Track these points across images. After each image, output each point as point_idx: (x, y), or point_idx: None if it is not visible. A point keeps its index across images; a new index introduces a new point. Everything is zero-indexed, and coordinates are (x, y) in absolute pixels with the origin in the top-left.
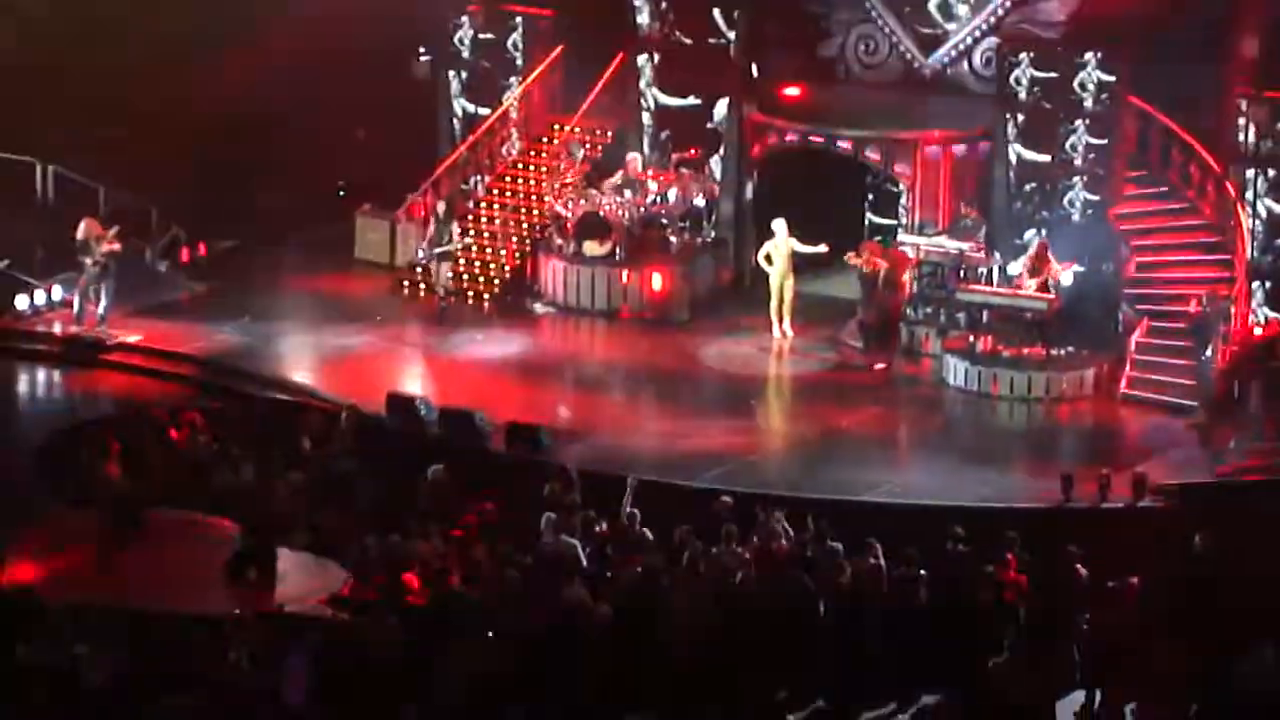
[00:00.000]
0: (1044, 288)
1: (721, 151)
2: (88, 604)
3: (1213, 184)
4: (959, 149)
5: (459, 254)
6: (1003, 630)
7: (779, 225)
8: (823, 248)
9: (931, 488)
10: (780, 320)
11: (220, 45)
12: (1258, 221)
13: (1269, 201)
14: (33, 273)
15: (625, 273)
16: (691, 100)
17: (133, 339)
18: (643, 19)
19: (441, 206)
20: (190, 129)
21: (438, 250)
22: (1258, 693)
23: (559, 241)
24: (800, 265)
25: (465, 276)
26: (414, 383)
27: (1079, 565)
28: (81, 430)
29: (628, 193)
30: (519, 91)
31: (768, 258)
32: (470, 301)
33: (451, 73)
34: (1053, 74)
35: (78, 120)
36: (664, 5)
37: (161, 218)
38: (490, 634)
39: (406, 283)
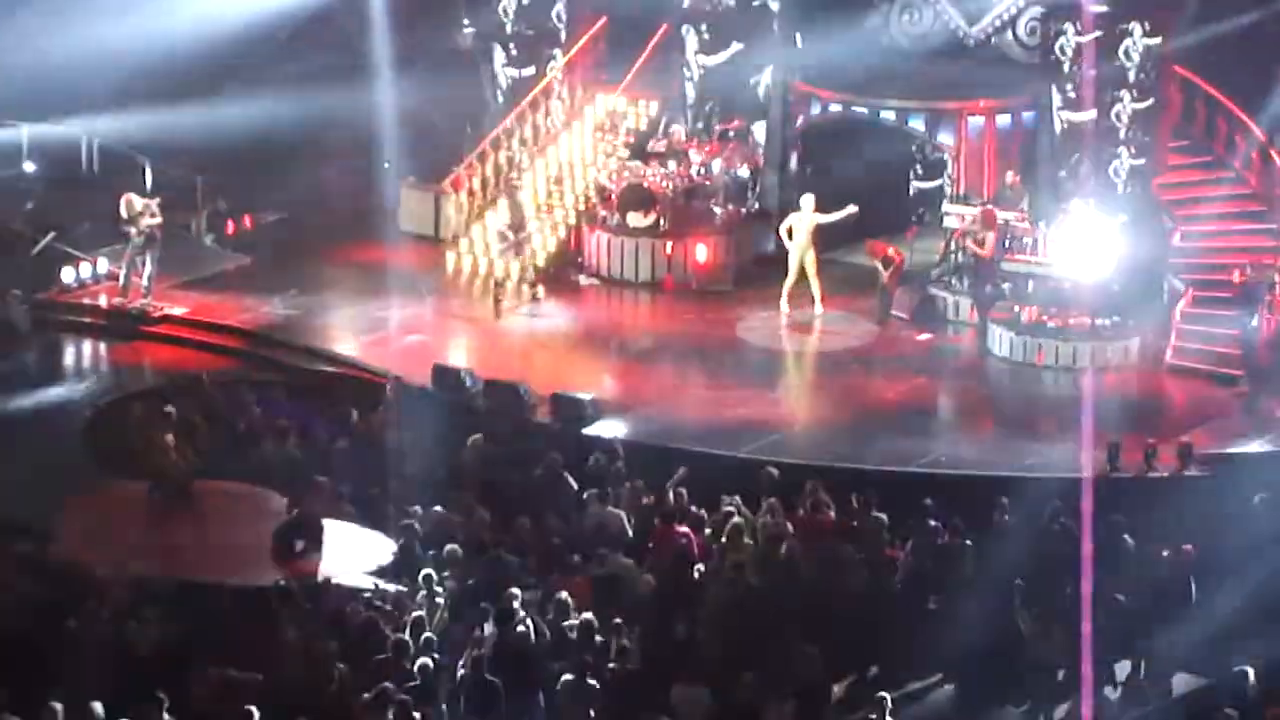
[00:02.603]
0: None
1: (765, 121)
2: (135, 575)
3: (1258, 153)
4: (1003, 119)
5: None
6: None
7: (806, 200)
8: (852, 209)
9: (976, 458)
10: (788, 298)
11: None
12: None
13: None
14: (78, 245)
15: (669, 244)
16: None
17: (178, 311)
18: None
19: (522, 195)
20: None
21: (520, 238)
22: None
23: (603, 213)
24: (845, 238)
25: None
26: (459, 354)
27: (1124, 535)
28: (128, 402)
29: (671, 164)
30: (563, 63)
31: (789, 231)
32: (519, 279)
33: (495, 44)
34: (1097, 43)
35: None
36: None
37: (206, 190)
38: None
39: (459, 254)
